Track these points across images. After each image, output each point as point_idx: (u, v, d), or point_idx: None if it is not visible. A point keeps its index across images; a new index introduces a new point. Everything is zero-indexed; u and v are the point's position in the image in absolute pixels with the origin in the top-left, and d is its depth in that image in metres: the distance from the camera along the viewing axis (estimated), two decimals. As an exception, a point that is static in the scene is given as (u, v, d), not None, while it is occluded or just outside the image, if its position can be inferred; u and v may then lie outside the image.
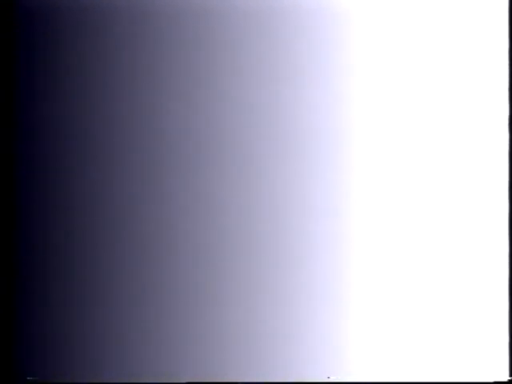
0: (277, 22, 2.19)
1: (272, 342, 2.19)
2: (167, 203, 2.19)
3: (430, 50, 2.20)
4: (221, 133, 2.19)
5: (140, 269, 2.19)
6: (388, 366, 2.19)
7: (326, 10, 2.19)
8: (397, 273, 2.18)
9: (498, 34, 2.20)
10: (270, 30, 2.19)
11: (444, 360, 2.19)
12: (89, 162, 2.20)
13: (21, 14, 2.20)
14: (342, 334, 2.18)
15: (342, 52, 2.19)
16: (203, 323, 2.19)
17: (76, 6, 2.19)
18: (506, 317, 2.19)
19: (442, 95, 2.20)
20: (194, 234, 2.19)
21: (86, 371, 2.20)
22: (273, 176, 2.19)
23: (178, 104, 2.19)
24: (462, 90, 2.20)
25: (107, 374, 2.20)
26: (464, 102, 2.20)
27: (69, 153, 2.20)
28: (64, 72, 2.20)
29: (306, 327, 2.19)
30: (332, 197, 2.19)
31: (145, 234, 2.19)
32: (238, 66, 2.19)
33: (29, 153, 2.21)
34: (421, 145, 2.19)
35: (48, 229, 2.20)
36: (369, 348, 2.18)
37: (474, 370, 2.18)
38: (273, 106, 2.19)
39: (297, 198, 2.19)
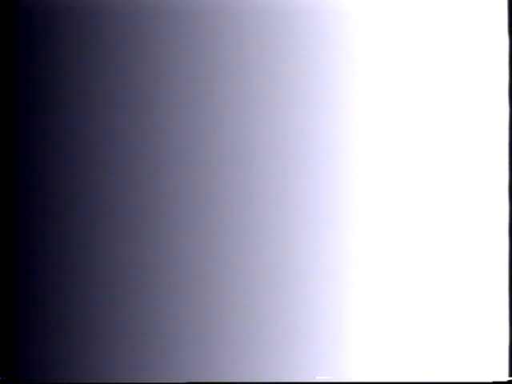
0: (277, 23, 2.19)
1: (272, 342, 2.19)
2: (167, 205, 2.19)
3: (430, 51, 2.20)
4: (221, 135, 2.19)
5: (140, 269, 2.19)
6: (388, 365, 2.19)
7: (327, 10, 2.19)
8: (397, 273, 2.19)
9: (498, 34, 2.21)
10: (270, 30, 2.19)
11: (444, 360, 2.19)
12: (88, 162, 2.20)
13: (21, 14, 2.20)
14: (342, 335, 2.18)
15: (343, 52, 2.20)
16: (203, 323, 2.19)
17: (76, 5, 2.19)
18: (506, 317, 2.19)
19: (442, 95, 2.20)
20: (194, 234, 2.19)
21: (85, 371, 2.20)
22: (274, 178, 2.19)
23: (179, 105, 2.19)
24: (463, 90, 2.20)
25: (107, 374, 2.20)
26: (465, 102, 2.20)
27: (68, 153, 2.20)
28: (63, 72, 2.20)
29: (306, 327, 2.19)
30: (332, 198, 2.19)
31: (145, 234, 2.19)
32: (238, 66, 2.19)
33: (28, 153, 2.21)
34: (421, 145, 2.20)
35: (48, 229, 2.20)
36: (369, 348, 2.18)
37: (474, 369, 2.19)
38: (273, 107, 2.19)
39: (297, 199, 2.19)
